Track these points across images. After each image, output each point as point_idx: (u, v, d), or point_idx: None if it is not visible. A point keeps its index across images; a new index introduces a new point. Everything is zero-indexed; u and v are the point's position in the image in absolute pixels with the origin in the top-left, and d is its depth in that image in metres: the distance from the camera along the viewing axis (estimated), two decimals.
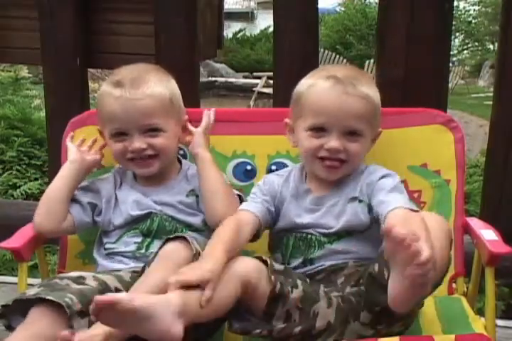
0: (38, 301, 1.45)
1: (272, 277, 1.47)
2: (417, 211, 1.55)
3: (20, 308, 1.48)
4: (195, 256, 1.50)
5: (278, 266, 1.55)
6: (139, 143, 1.72)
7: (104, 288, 1.54)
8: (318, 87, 1.68)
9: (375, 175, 1.69)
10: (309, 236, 1.69)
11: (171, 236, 1.55)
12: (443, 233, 1.47)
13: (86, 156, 1.81)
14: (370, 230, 1.66)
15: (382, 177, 1.69)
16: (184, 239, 1.54)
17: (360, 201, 1.68)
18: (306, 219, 1.71)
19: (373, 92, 1.70)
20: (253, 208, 1.71)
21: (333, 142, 1.65)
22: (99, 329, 1.38)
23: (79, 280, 1.54)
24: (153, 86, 1.73)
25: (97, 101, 1.80)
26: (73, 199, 1.78)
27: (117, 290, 1.56)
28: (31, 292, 1.48)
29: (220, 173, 1.78)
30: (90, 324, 1.43)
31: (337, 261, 1.66)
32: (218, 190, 1.73)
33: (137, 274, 1.61)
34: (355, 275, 1.60)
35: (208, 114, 1.88)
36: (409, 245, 1.28)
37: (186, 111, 1.87)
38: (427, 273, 1.31)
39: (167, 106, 1.75)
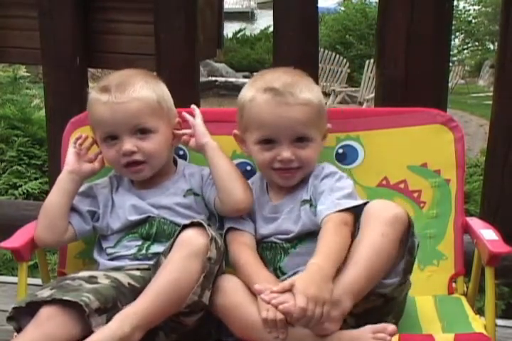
0: (49, 302, 1.46)
1: None
2: (352, 208, 1.57)
3: (29, 311, 1.48)
4: (211, 242, 1.53)
5: None
6: (129, 144, 1.72)
7: (118, 285, 1.55)
8: (257, 100, 1.69)
9: (319, 177, 1.72)
10: (273, 244, 1.72)
11: (187, 223, 1.56)
12: (383, 224, 1.48)
13: (83, 165, 1.78)
14: None
15: (323, 178, 1.71)
16: (199, 225, 1.56)
17: (311, 205, 1.70)
18: (267, 229, 1.73)
19: (314, 94, 1.71)
20: (247, 227, 1.74)
21: (284, 153, 1.68)
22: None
23: (91, 280, 1.56)
24: (139, 89, 1.73)
25: (87, 109, 1.80)
26: (72, 208, 1.77)
27: (130, 285, 1.57)
28: (44, 294, 1.48)
29: (231, 160, 1.79)
30: (108, 321, 1.46)
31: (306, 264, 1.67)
32: (234, 176, 1.74)
33: (146, 269, 1.64)
34: None
35: (197, 108, 1.87)
36: (277, 308, 1.35)
37: (187, 112, 1.86)
38: (310, 320, 1.36)
39: (155, 109, 1.75)
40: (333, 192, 1.66)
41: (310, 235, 1.67)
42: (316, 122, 1.71)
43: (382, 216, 1.49)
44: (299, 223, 1.70)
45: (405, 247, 1.51)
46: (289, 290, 1.38)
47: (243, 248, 1.70)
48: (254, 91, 1.71)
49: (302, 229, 1.69)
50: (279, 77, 1.72)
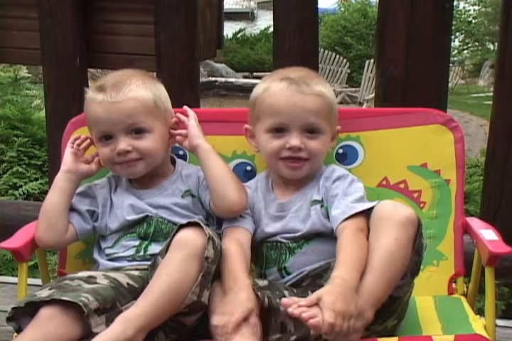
0: (48, 302, 1.46)
1: (259, 293, 1.49)
2: (365, 210, 1.58)
3: (29, 311, 1.48)
4: (209, 241, 1.52)
5: (262, 282, 1.60)
6: (124, 144, 1.71)
7: (117, 285, 1.55)
8: (272, 89, 1.71)
9: (330, 179, 1.73)
10: (279, 244, 1.72)
11: (184, 223, 1.56)
12: (396, 228, 1.48)
13: (80, 165, 1.78)
14: None
15: (335, 180, 1.72)
16: (196, 224, 1.55)
17: (322, 205, 1.70)
18: (273, 227, 1.73)
19: (327, 90, 1.74)
20: (243, 223, 1.73)
21: (293, 140, 1.68)
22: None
23: (90, 280, 1.56)
24: (135, 89, 1.73)
25: (84, 108, 1.80)
26: (72, 208, 1.77)
27: (129, 285, 1.57)
28: (43, 294, 1.48)
29: (224, 161, 1.78)
30: (107, 321, 1.46)
31: (313, 264, 1.66)
32: (226, 178, 1.73)
33: (145, 270, 1.63)
34: None
35: (190, 109, 1.86)
36: (307, 321, 1.35)
37: (180, 112, 1.85)
38: (339, 334, 1.37)
39: (151, 108, 1.74)
40: (346, 196, 1.66)
41: (318, 236, 1.67)
42: (328, 116, 1.72)
43: (394, 219, 1.49)
44: (308, 222, 1.69)
45: (414, 248, 1.50)
46: (316, 303, 1.38)
47: (233, 243, 1.67)
48: (269, 82, 1.73)
49: (311, 229, 1.68)
50: (295, 71, 1.75)
